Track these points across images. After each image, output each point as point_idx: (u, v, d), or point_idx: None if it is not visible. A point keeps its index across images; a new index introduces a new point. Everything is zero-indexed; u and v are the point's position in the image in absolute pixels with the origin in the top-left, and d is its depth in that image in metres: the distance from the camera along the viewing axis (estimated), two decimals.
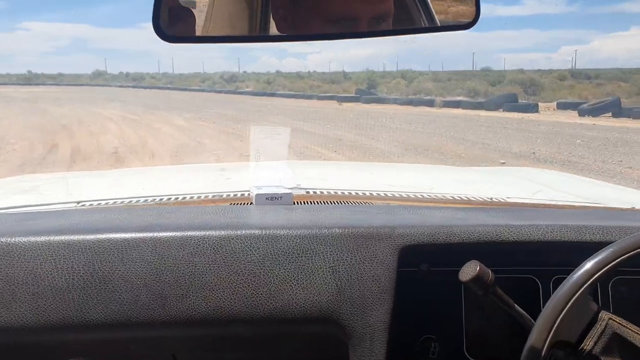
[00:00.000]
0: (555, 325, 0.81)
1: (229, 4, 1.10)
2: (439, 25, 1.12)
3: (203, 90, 41.50)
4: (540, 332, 0.82)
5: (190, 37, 1.04)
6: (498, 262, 1.00)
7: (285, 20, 1.05)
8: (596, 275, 0.83)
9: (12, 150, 11.04)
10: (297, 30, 1.04)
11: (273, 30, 1.08)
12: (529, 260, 1.03)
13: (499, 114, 19.93)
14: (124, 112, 19.99)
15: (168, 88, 45.77)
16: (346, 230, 0.98)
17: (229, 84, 49.08)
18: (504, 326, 0.99)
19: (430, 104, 23.90)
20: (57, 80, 64.79)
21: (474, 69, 49.34)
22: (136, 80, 58.08)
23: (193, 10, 1.06)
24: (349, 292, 0.94)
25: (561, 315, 0.82)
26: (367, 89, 32.77)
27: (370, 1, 1.01)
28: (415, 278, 1.01)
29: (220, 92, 39.78)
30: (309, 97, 31.34)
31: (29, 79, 64.91)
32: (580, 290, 0.83)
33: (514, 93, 24.34)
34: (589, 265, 0.84)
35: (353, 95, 29.64)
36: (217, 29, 1.05)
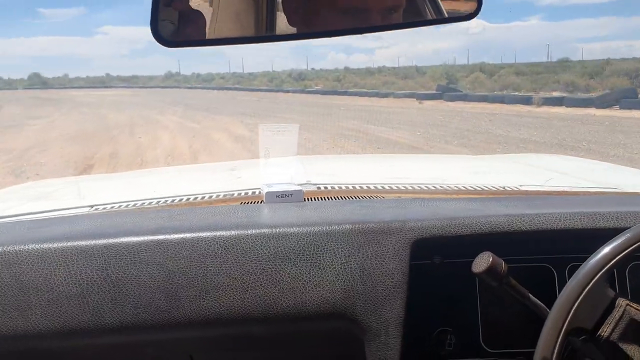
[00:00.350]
0: (572, 313, 0.81)
1: (233, 3, 1.11)
2: (446, 16, 1.14)
3: (270, 90, 41.26)
4: (555, 320, 0.82)
5: (192, 41, 1.05)
6: (512, 251, 1.02)
7: (296, 13, 1.07)
8: (613, 261, 0.83)
9: (34, 173, 9.68)
10: (308, 23, 1.06)
11: (280, 28, 1.10)
12: (543, 249, 1.04)
13: (619, 113, 16.76)
14: (184, 118, 19.59)
15: (236, 88, 45.37)
16: (357, 226, 1.00)
17: (297, 82, 46.99)
18: (520, 316, 1.00)
19: (526, 101, 21.82)
20: (131, 82, 66.06)
21: (550, 60, 44.52)
22: (206, 82, 58.97)
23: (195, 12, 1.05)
24: (362, 287, 0.96)
25: (577, 302, 0.82)
26: (446, 84, 29.40)
27: None
28: (428, 271, 1.03)
29: (287, 91, 37.51)
30: (385, 95, 28.97)
31: (104, 82, 66.07)
32: (597, 277, 0.82)
33: (632, 88, 20.32)
34: (605, 250, 0.84)
35: (433, 92, 27.86)
36: (222, 31, 1.07)
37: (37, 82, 72.20)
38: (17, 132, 16.85)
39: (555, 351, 0.80)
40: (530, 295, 0.92)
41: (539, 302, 0.92)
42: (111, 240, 0.99)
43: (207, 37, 1.03)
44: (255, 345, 1.06)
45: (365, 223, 1.01)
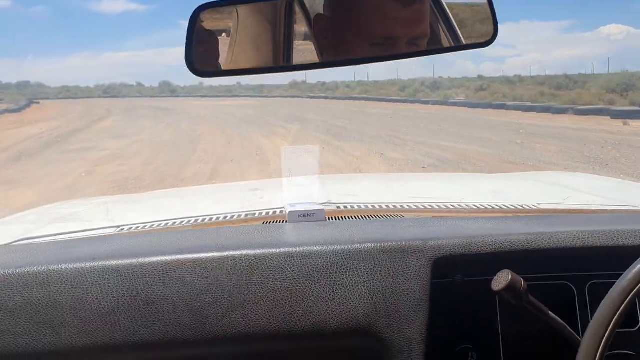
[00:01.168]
0: (606, 335, 0.79)
1: (252, 34, 1.17)
2: (464, 43, 1.20)
3: (404, 101, 35.21)
4: (589, 348, 0.79)
5: (220, 71, 1.11)
6: (532, 269, 1.03)
7: (325, 40, 1.12)
8: None
9: None
10: (338, 54, 1.11)
11: (297, 58, 1.16)
12: (562, 267, 1.04)
13: None
14: (297, 143, 13.65)
15: (363, 98, 38.53)
16: (379, 245, 1.02)
17: (433, 91, 39.88)
18: (541, 334, 1.00)
19: None
20: (256, 91, 62.65)
21: None
22: (330, 90, 53.02)
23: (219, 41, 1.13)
24: (384, 305, 0.98)
25: (611, 326, 0.79)
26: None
27: (410, 24, 1.08)
28: (449, 289, 1.03)
29: (426, 102, 30.86)
30: (560, 111, 21.37)
31: (231, 91, 64.05)
32: (630, 296, 0.80)
33: None
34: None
35: (628, 108, 21.02)
36: (241, 61, 1.12)
37: (166, 90, 72.43)
38: (76, 160, 12.56)
39: None
40: (550, 312, 0.93)
41: (559, 319, 0.93)
42: (140, 260, 1.01)
43: (232, 67, 1.09)
44: None
45: (386, 242, 1.03)
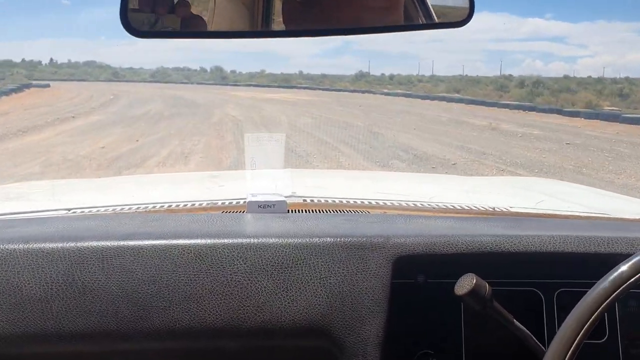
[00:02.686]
0: (570, 352, 0.75)
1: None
2: (437, 22, 1.17)
3: (506, 107, 25.00)
4: (555, 353, 0.75)
5: (167, 32, 1.04)
6: (499, 274, 0.98)
7: (292, 13, 1.08)
8: (630, 281, 0.76)
9: None
10: (302, 23, 1.07)
11: (276, 26, 1.12)
12: (531, 272, 1.00)
13: None
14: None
15: (460, 100, 28.43)
16: (339, 240, 0.98)
17: (536, 95, 29.51)
18: (506, 343, 0.95)
19: None
20: (317, 82, 52.55)
21: None
22: (403, 85, 43.98)
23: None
24: (341, 304, 0.94)
25: (577, 340, 0.75)
26: None
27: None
28: (411, 290, 0.99)
29: (531, 109, 23.36)
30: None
31: (288, 81, 56.00)
32: (599, 310, 0.76)
33: None
34: (623, 268, 0.77)
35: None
36: (219, 24, 1.08)
37: (217, 76, 65.73)
38: None
39: None
40: (515, 320, 0.89)
41: (524, 328, 0.89)
42: (79, 244, 0.95)
43: (211, 29, 1.05)
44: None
45: (347, 237, 0.98)
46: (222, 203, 1.36)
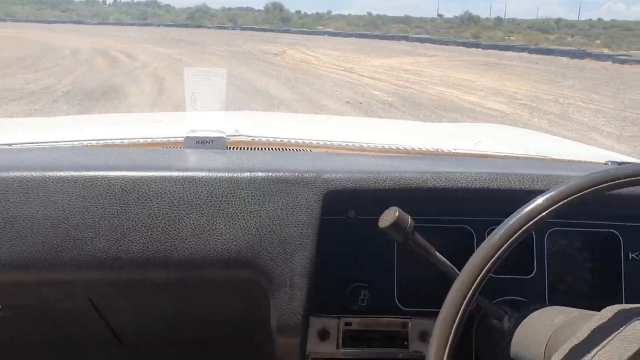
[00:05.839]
0: (485, 269, 0.75)
1: None
2: None
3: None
4: (467, 277, 0.75)
5: None
6: (429, 210, 1.01)
7: None
8: (548, 211, 0.75)
9: None
10: None
11: None
12: (462, 209, 1.02)
13: None
14: None
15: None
16: (270, 175, 0.97)
17: None
18: (435, 276, 0.96)
19: None
20: (404, 24, 45.98)
21: None
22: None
23: None
24: (270, 237, 0.94)
25: (489, 264, 0.75)
26: None
27: None
28: (343, 226, 1.01)
29: None
30: None
31: (376, 24, 45.38)
32: (527, 226, 0.75)
33: None
34: (539, 201, 0.76)
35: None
36: None
37: (275, 18, 50.65)
38: None
39: (461, 310, 0.74)
40: (437, 253, 0.89)
41: (446, 261, 0.89)
42: (3, 174, 0.93)
43: None
44: (156, 291, 1.03)
45: (278, 172, 0.97)
46: (162, 140, 1.33)
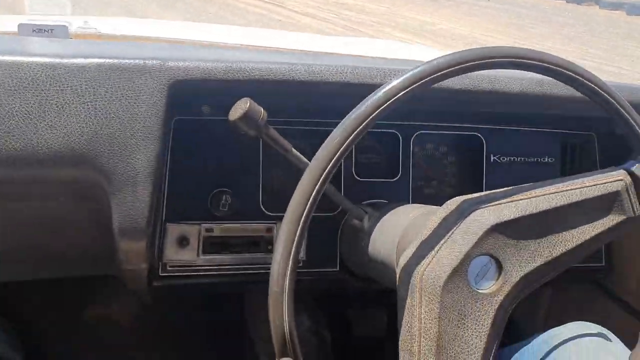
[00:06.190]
0: (337, 155, 0.68)
1: None
2: None
3: None
4: (314, 168, 0.68)
5: None
6: (292, 108, 0.97)
7: None
8: (401, 93, 0.69)
9: None
10: None
11: None
12: (324, 102, 0.96)
13: None
14: None
15: None
16: (107, 61, 0.85)
17: None
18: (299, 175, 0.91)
19: None
20: None
21: None
22: None
23: None
24: (107, 132, 0.84)
25: (340, 149, 0.69)
26: None
27: None
28: (200, 127, 0.94)
29: None
30: None
31: None
32: (379, 110, 0.69)
33: None
34: (394, 83, 0.69)
35: None
36: None
37: None
38: None
39: (311, 199, 0.68)
40: (293, 149, 0.84)
41: (302, 156, 0.84)
42: None
43: None
44: None
45: (118, 59, 0.86)
46: None
